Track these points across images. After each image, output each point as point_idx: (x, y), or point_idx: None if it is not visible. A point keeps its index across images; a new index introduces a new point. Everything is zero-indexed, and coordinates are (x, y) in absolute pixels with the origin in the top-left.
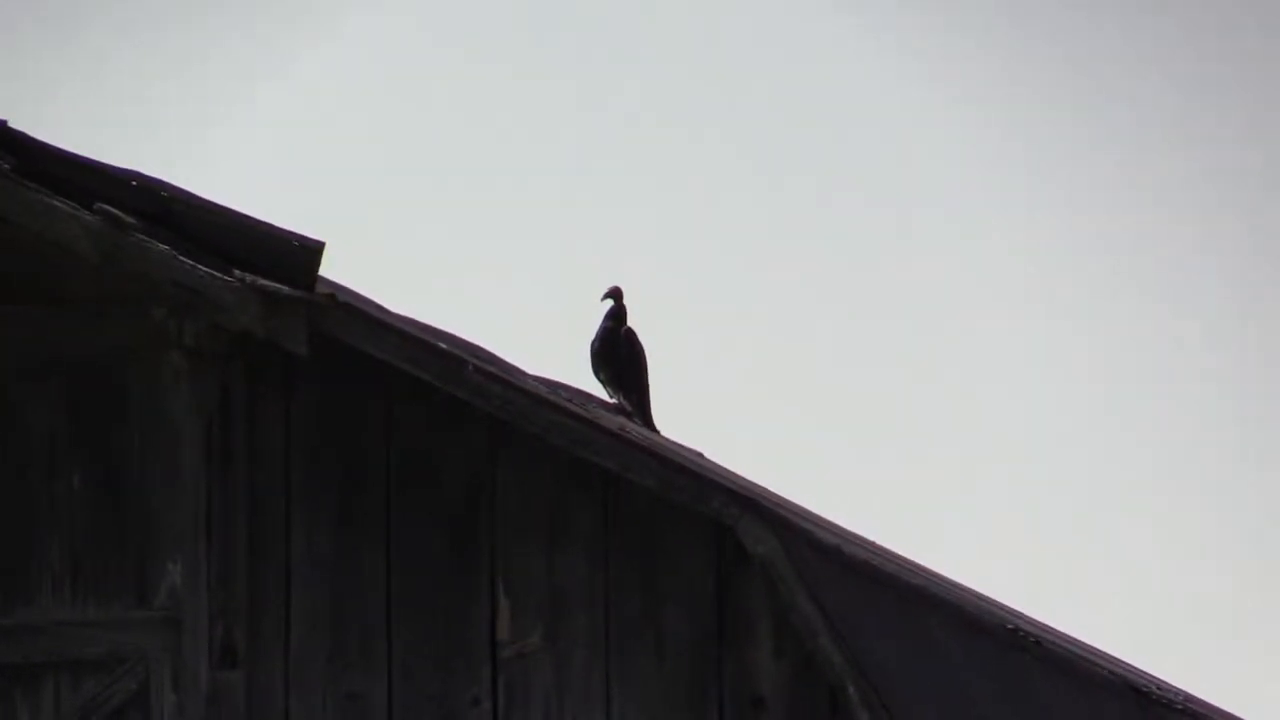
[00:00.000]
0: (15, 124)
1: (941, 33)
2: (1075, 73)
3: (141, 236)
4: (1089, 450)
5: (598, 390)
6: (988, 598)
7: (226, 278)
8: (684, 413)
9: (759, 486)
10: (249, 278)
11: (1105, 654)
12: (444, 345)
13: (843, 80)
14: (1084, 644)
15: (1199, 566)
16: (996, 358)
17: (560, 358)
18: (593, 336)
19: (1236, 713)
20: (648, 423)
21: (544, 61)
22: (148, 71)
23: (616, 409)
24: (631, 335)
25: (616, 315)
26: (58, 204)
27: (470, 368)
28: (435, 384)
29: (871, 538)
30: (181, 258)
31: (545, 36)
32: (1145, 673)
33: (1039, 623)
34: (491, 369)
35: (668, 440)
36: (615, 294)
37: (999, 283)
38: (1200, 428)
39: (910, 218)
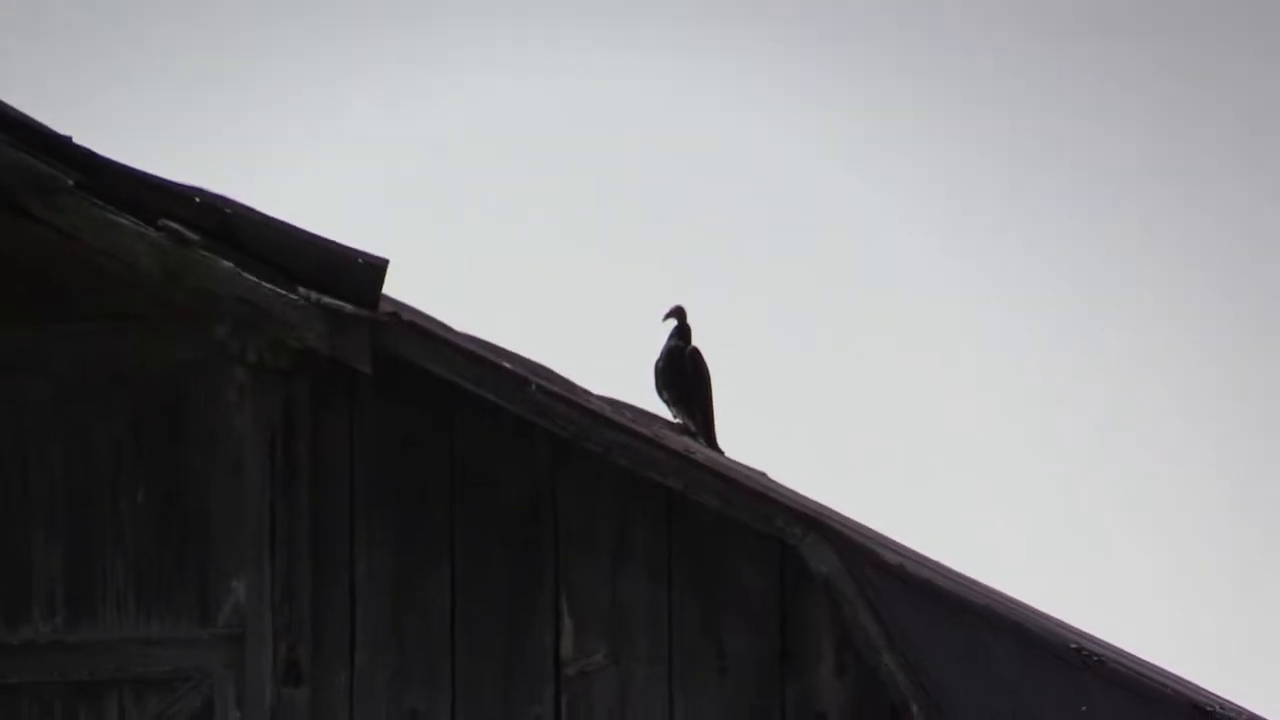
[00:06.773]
0: (80, 140)
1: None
2: None
3: (205, 253)
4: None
5: (662, 411)
6: (1051, 616)
7: (291, 295)
8: (747, 432)
9: (822, 505)
10: (313, 295)
11: (1169, 673)
12: (507, 364)
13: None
14: (1147, 663)
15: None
16: (1070, 388)
17: (624, 378)
18: (657, 356)
19: None
20: (711, 443)
21: (616, 78)
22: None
23: (681, 429)
24: (696, 354)
25: (681, 334)
26: (122, 220)
27: (533, 386)
28: (498, 402)
29: (934, 556)
30: (246, 274)
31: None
32: (1209, 692)
33: (1102, 641)
34: (554, 388)
35: (731, 460)
36: (678, 313)
37: (1091, 308)
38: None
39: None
